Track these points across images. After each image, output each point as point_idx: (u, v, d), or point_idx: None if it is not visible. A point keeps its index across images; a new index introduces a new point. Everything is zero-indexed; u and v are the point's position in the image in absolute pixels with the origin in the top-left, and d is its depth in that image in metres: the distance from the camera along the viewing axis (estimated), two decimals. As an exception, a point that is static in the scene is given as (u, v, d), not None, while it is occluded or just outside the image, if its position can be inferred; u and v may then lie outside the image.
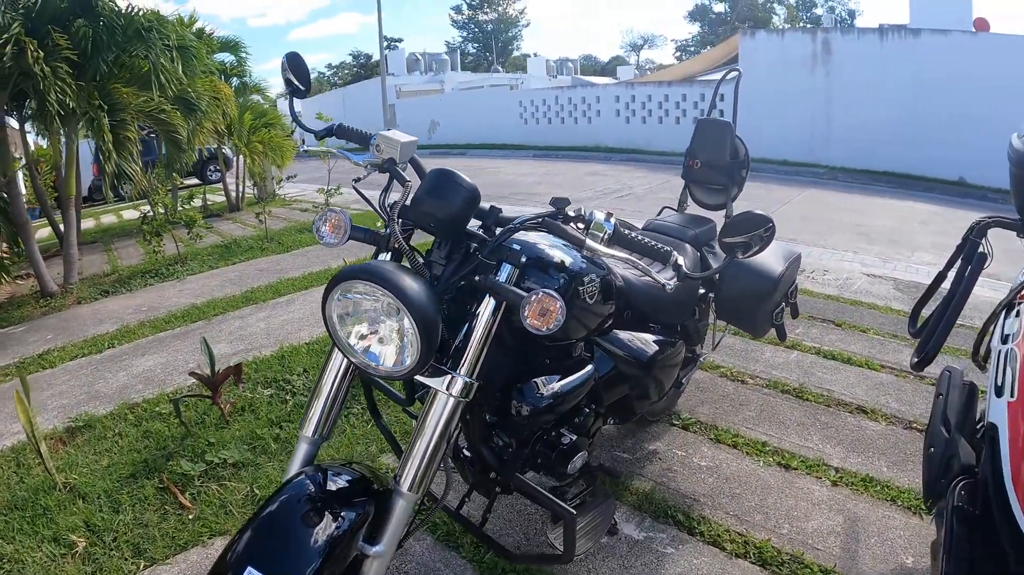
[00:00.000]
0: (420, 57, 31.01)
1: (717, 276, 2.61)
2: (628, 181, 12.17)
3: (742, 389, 3.55)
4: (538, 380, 1.86)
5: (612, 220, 1.65)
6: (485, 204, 1.77)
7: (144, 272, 7.46)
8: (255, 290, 6.33)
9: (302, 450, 1.78)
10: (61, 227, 7.24)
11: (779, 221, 6.15)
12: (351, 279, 1.49)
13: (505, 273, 1.65)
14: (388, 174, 1.88)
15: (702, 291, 2.74)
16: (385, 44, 53.37)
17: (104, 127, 5.99)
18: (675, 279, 1.73)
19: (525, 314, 1.46)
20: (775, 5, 53.89)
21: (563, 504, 1.91)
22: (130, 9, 6.07)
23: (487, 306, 1.61)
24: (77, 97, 5.50)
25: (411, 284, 1.45)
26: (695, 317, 2.75)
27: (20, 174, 7.02)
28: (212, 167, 17.06)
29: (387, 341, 1.53)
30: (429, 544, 2.55)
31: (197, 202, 12.51)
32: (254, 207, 11.74)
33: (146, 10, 6.06)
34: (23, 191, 6.90)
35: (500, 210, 1.81)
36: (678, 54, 57.69)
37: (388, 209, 1.75)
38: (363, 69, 51.81)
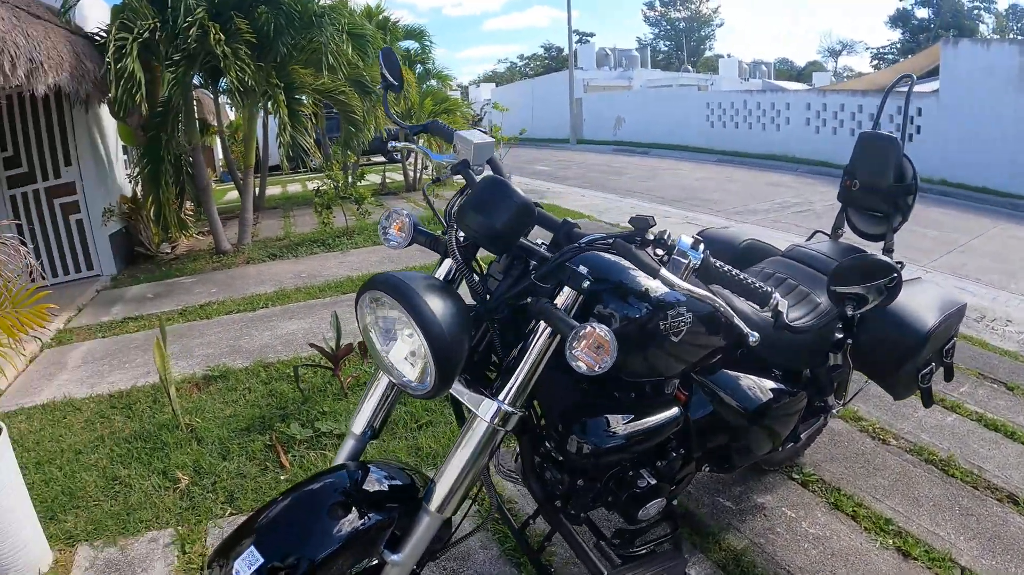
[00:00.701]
0: (610, 52, 30.70)
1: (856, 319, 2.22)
2: (810, 196, 11.20)
3: (881, 450, 3.01)
4: (610, 416, 1.64)
5: (701, 249, 1.37)
6: (567, 218, 1.61)
7: (312, 241, 7.94)
8: (409, 269, 6.44)
9: (348, 446, 1.72)
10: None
11: (965, 256, 5.27)
12: (374, 288, 1.39)
13: (564, 297, 1.44)
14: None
15: (839, 336, 2.32)
16: (577, 38, 53.57)
17: (281, 103, 6.43)
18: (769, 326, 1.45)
19: (571, 348, 1.27)
20: (983, 12, 47.58)
21: (599, 561, 1.69)
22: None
23: (542, 332, 1.43)
24: (255, 76, 5.93)
25: (433, 301, 1.32)
26: (828, 363, 2.35)
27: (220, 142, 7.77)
28: (402, 147, 17.89)
29: (416, 356, 1.42)
30: (494, 554, 2.44)
31: (376, 178, 13.26)
32: (430, 188, 12.20)
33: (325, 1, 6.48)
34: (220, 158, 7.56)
35: (575, 225, 1.61)
36: (875, 62, 52.68)
37: (451, 216, 1.62)
38: (554, 61, 52.35)
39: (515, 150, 24.95)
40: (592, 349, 1.26)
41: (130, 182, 8.38)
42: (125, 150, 8.65)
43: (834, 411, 2.48)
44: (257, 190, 11.07)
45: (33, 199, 7.11)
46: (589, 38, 50.80)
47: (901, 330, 2.20)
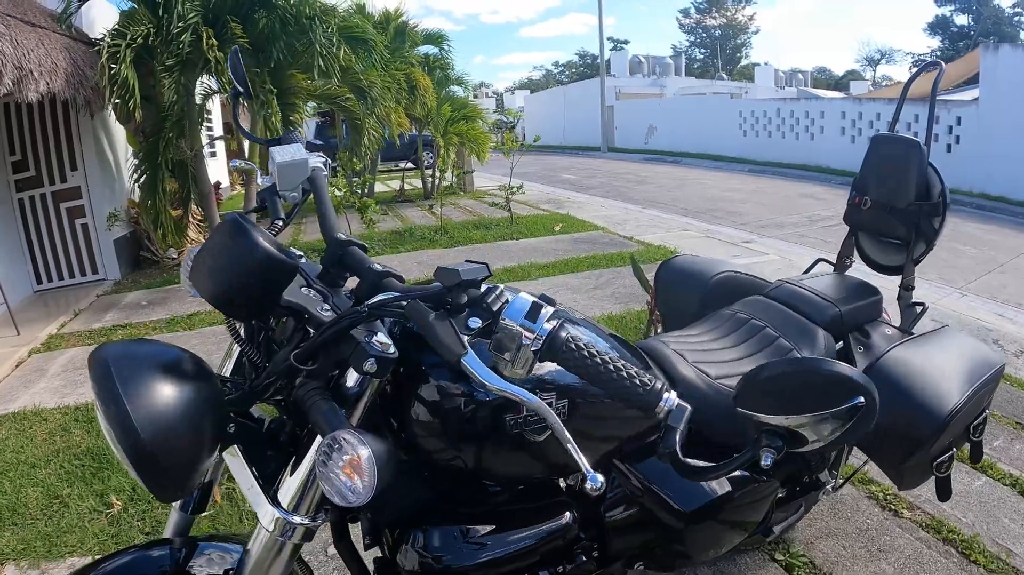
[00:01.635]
0: (643, 60, 30.11)
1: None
2: (842, 208, 10.63)
3: (889, 523, 2.53)
4: (464, 528, 1.22)
5: (548, 319, 0.93)
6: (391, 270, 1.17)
7: (313, 249, 7.69)
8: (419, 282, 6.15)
9: (172, 519, 1.31)
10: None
11: (1007, 277, 4.73)
12: (90, 364, 1.01)
13: (352, 381, 1.06)
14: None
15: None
16: (611, 45, 53.00)
17: (274, 110, 6.21)
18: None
19: (322, 463, 0.90)
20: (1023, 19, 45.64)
21: None
22: (301, 3, 6.22)
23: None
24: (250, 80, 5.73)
25: (148, 387, 0.95)
26: None
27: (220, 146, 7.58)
28: (428, 154, 17.80)
29: None
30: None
31: (395, 184, 12.99)
32: (449, 196, 11.93)
33: (320, 3, 6.26)
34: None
35: (390, 275, 1.15)
36: (915, 70, 51.03)
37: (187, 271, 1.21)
38: (588, 68, 51.79)
39: (546, 157, 24.73)
40: (351, 469, 0.88)
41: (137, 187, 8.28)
42: (136, 155, 8.55)
43: (827, 489, 1.98)
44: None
45: (40, 203, 7.01)
46: (623, 45, 50.27)
47: (911, 409, 1.59)
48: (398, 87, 9.79)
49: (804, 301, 1.94)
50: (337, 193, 7.55)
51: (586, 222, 9.21)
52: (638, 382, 0.93)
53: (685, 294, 2.21)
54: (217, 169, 11.91)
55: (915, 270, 2.14)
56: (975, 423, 1.78)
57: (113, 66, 5.37)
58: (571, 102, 27.71)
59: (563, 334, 0.93)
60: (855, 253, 2.37)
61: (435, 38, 11.40)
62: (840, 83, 50.67)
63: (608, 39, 62.62)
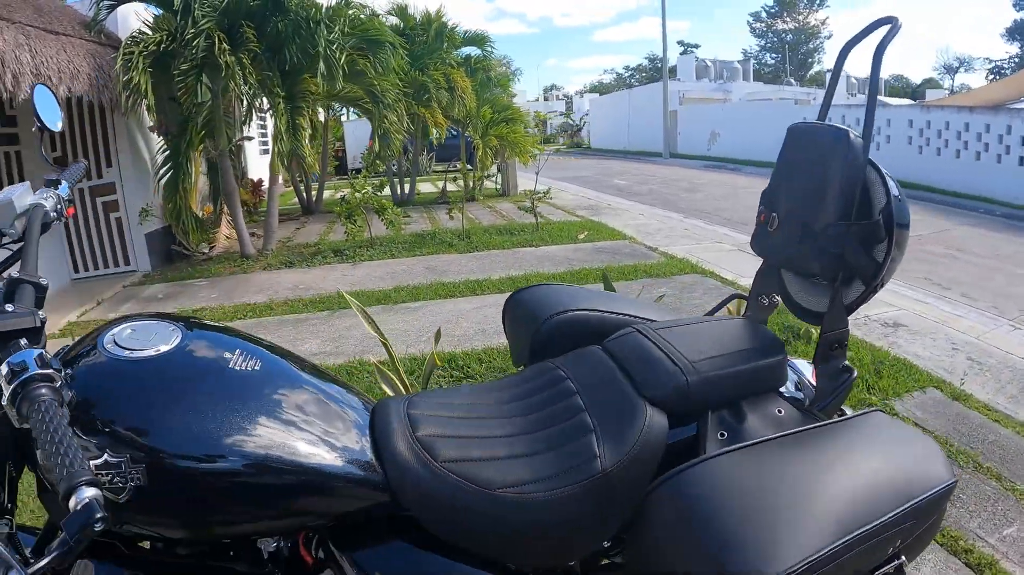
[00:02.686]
0: (710, 64, 29.27)
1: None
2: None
3: None
4: None
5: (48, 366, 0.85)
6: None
7: (334, 250, 7.86)
8: (400, 289, 6.17)
9: None
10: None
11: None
12: None
13: None
14: None
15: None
16: (681, 49, 51.75)
17: (280, 112, 6.38)
18: None
19: None
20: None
21: None
22: (309, 6, 6.35)
23: None
24: (259, 85, 5.92)
25: None
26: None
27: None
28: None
29: None
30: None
31: (434, 186, 13.09)
32: (490, 199, 11.96)
33: (327, 6, 6.37)
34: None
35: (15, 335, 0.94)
36: (992, 77, 47.56)
37: None
38: (657, 72, 50.71)
39: (606, 162, 24.53)
40: None
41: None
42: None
43: None
44: (315, 193, 11.27)
45: (78, 196, 7.46)
46: (693, 49, 49.04)
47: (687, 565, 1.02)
48: (436, 88, 9.90)
49: (643, 360, 1.31)
50: (356, 195, 7.71)
51: (615, 231, 9.05)
52: (63, 462, 0.75)
53: (519, 336, 1.68)
54: (262, 167, 12.40)
55: (848, 321, 1.43)
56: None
57: (125, 72, 5.67)
58: (635, 106, 27.29)
59: (42, 390, 0.83)
60: (777, 290, 1.62)
61: (478, 39, 11.46)
62: (917, 91, 47.89)
63: (678, 43, 61.23)
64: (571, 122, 37.71)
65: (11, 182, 6.79)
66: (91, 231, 7.54)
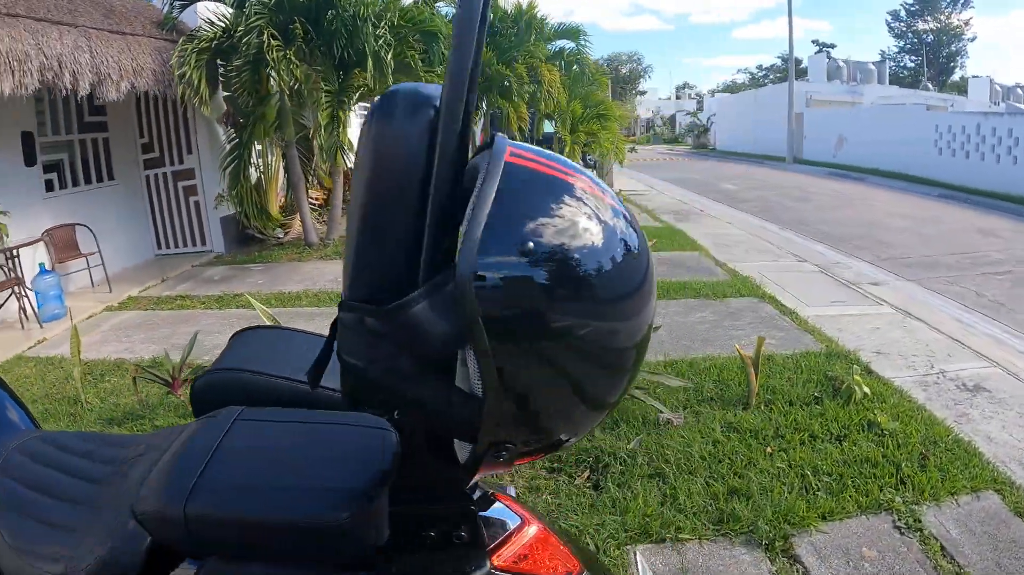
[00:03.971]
0: (843, 65, 26.88)
1: None
2: (1023, 252, 8.79)
3: None
4: None
5: None
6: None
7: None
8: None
9: None
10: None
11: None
12: None
13: None
14: None
15: None
16: (816, 49, 48.27)
17: (322, 107, 6.48)
18: None
19: None
20: None
21: None
22: (358, 3, 6.35)
23: None
24: (304, 79, 6.08)
25: None
26: None
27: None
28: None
29: None
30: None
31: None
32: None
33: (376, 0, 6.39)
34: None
35: None
36: None
37: None
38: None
39: (724, 164, 23.50)
40: None
41: (255, 171, 9.05)
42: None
43: None
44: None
45: (162, 180, 7.97)
46: (829, 49, 45.45)
47: None
48: (519, 82, 9.76)
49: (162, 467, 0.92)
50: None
51: (691, 240, 8.51)
52: None
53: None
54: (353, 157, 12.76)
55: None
56: None
57: (179, 68, 5.98)
58: (761, 107, 25.76)
59: None
60: None
61: (571, 32, 11.18)
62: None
63: (813, 42, 57.38)
64: (698, 122, 36.40)
65: (100, 165, 7.39)
66: (173, 212, 8.03)
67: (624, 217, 0.74)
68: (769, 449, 2.91)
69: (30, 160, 6.11)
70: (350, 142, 7.06)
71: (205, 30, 6.49)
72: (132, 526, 0.89)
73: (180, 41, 6.36)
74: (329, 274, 6.69)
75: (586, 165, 13.48)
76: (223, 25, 6.41)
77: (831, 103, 23.49)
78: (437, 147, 0.71)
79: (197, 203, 7.99)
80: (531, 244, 0.66)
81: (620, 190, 12.72)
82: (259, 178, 8.34)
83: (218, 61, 6.78)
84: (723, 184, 15.91)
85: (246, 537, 0.85)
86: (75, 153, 6.84)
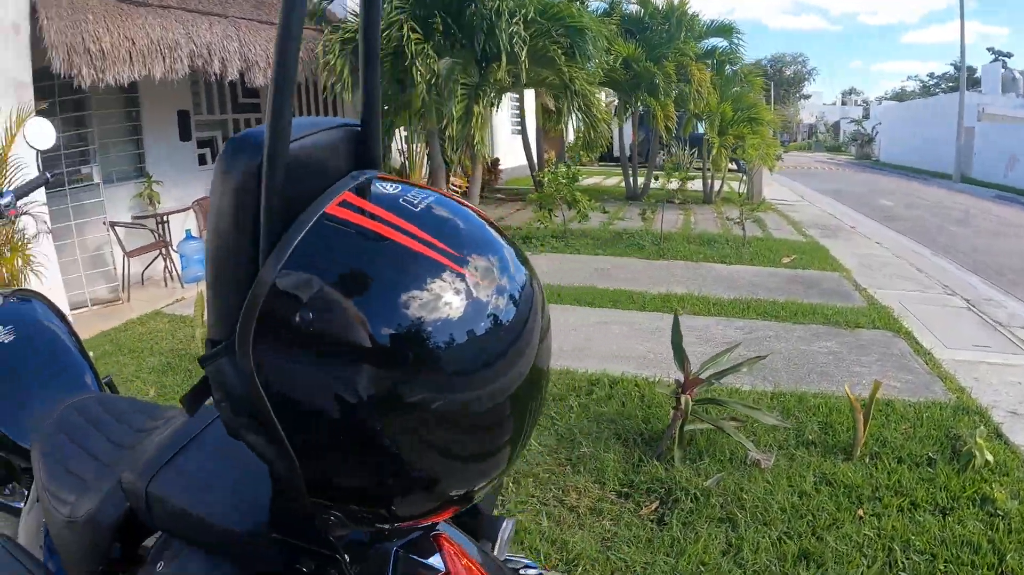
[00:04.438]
0: (1020, 76, 23.89)
1: None
2: None
3: None
4: None
5: None
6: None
7: (527, 236, 7.95)
8: (548, 287, 6.03)
9: None
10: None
11: None
12: None
13: None
14: None
15: None
16: (991, 57, 42.90)
17: (459, 99, 6.59)
18: None
19: None
20: None
21: None
22: None
23: None
24: (447, 71, 6.20)
25: None
26: None
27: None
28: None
29: None
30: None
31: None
32: (726, 204, 11.17)
33: None
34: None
35: None
36: None
37: None
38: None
39: (883, 178, 21.90)
40: None
41: (401, 156, 9.38)
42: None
43: None
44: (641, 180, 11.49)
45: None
46: (1005, 58, 40.11)
47: None
48: (666, 80, 9.50)
49: (87, 433, 1.29)
50: (557, 181, 7.65)
51: (832, 259, 7.85)
52: None
53: None
54: (513, 146, 13.02)
55: None
56: None
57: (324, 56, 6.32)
58: (928, 119, 23.39)
59: None
60: None
61: (723, 30, 10.69)
62: None
63: (988, 49, 51.13)
64: (862, 131, 33.92)
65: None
66: None
67: (482, 286, 0.67)
68: (860, 511, 2.58)
69: (185, 136, 6.70)
70: (483, 137, 7.16)
71: (350, 20, 6.79)
72: (118, 491, 1.03)
73: (326, 31, 6.71)
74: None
75: (737, 170, 12.86)
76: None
77: (1005, 118, 20.95)
78: (263, 192, 0.66)
79: (346, 183, 8.50)
80: (309, 316, 0.63)
81: (768, 198, 12.07)
82: (403, 163, 8.68)
83: (363, 50, 7.08)
84: (880, 199, 14.68)
85: (189, 527, 0.92)
86: (228, 131, 7.43)
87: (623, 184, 12.88)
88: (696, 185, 11.93)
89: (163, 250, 5.98)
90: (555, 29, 6.94)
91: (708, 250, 7.88)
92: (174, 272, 6.07)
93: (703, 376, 3.08)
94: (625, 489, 2.78)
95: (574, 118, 7.59)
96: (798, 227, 9.91)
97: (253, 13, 6.45)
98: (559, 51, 6.89)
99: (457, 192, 9.31)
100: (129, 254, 5.68)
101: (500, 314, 0.67)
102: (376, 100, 0.83)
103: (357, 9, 7.14)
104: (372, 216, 0.68)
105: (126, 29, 5.04)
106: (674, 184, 9.26)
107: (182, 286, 5.99)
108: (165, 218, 6.20)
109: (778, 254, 7.84)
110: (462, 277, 0.66)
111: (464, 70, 6.62)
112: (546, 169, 8.65)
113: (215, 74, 5.74)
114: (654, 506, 2.67)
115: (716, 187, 11.79)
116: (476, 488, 0.76)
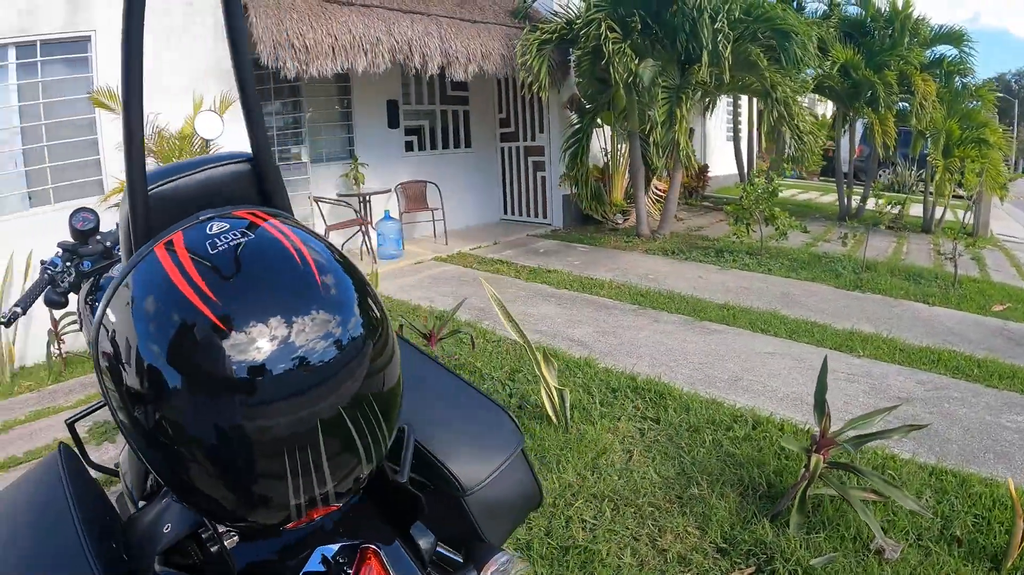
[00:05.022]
0: None
1: None
2: None
3: None
4: None
5: None
6: None
7: (721, 250, 7.68)
8: (728, 307, 5.75)
9: None
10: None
11: None
12: None
13: None
14: None
15: None
16: None
17: (660, 102, 6.49)
18: None
19: None
20: None
21: None
22: None
23: None
24: (651, 73, 6.16)
25: None
26: None
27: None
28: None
29: None
30: None
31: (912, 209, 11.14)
32: (942, 236, 9.89)
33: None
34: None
35: None
36: None
37: None
38: None
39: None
40: None
41: (604, 155, 9.38)
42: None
43: None
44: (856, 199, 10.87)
45: (515, 153, 8.96)
46: None
47: None
48: (887, 91, 8.63)
49: None
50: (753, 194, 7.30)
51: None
52: None
53: None
54: (719, 152, 12.58)
55: None
56: None
57: (522, 55, 6.57)
58: None
59: None
60: None
61: (953, 37, 9.36)
62: None
63: None
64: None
65: (459, 134, 8.47)
66: (521, 184, 9.01)
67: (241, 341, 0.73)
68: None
69: (393, 123, 7.32)
70: (687, 142, 6.96)
71: (551, 20, 7.00)
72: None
73: (524, 32, 6.96)
74: (642, 268, 6.82)
75: (959, 197, 11.31)
76: (567, 17, 6.87)
77: None
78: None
79: (544, 178, 8.80)
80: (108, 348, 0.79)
81: (995, 232, 10.49)
82: (607, 163, 8.76)
83: (570, 49, 7.22)
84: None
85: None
86: (435, 121, 7.99)
87: (838, 203, 11.86)
88: (917, 210, 10.65)
89: (362, 227, 6.60)
90: (760, 30, 6.53)
91: (911, 286, 6.98)
92: (371, 248, 6.68)
93: (848, 435, 2.74)
94: (725, 544, 2.60)
95: (782, 128, 7.10)
96: (1022, 270, 8.49)
97: (455, 11, 6.86)
98: (761, 54, 6.49)
99: (660, 196, 9.10)
100: (330, 227, 6.38)
101: (267, 363, 0.73)
102: (261, 128, 0.92)
103: (558, 8, 7.37)
104: (177, 262, 0.78)
105: (328, 26, 5.60)
106: (895, 208, 8.37)
107: (375, 261, 6.58)
108: (368, 198, 6.83)
109: (991, 299, 6.67)
110: (215, 328, 0.72)
111: (664, 71, 6.51)
112: (746, 182, 8.24)
113: (416, 68, 6.18)
114: (749, 571, 2.47)
115: (938, 215, 10.39)
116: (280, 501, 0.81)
